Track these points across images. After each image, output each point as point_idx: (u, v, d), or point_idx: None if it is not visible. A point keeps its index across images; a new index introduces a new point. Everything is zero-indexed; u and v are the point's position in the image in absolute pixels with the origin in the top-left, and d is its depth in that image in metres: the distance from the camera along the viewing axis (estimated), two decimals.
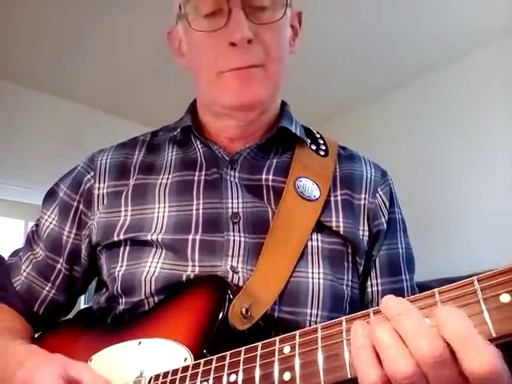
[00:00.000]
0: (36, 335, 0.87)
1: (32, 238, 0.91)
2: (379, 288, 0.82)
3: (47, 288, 0.87)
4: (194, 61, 0.82)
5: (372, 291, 0.82)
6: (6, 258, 0.92)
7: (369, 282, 0.82)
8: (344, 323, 0.49)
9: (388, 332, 0.44)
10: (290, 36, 0.84)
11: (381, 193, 0.85)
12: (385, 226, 0.83)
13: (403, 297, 0.82)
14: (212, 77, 0.78)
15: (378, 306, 0.80)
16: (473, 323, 0.41)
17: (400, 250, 0.85)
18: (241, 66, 0.75)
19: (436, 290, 0.45)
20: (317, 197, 0.80)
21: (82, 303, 2.36)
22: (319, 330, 0.50)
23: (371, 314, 0.48)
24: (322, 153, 0.87)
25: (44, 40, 2.87)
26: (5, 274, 0.88)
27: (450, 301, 0.43)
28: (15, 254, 0.92)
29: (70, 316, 0.91)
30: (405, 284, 0.83)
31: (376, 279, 0.82)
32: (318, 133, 0.93)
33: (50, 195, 0.90)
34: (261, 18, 0.76)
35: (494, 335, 0.40)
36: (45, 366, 0.63)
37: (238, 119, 0.81)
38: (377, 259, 0.83)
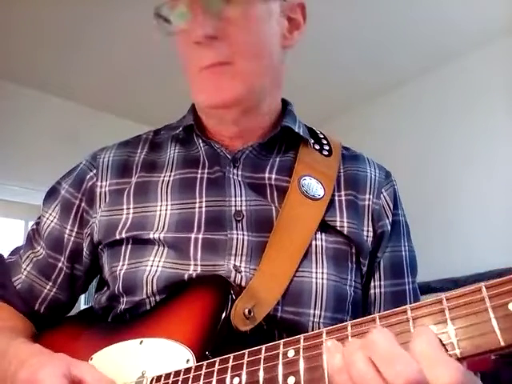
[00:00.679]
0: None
1: (33, 237, 0.90)
2: (382, 290, 0.82)
3: (48, 287, 0.86)
4: (181, 62, 0.82)
5: (375, 293, 0.82)
6: (6, 257, 0.92)
7: (372, 284, 0.82)
8: (349, 328, 0.49)
9: (362, 360, 0.44)
10: (286, 29, 0.81)
11: (385, 194, 0.85)
12: (389, 227, 0.83)
13: (405, 299, 0.83)
14: (191, 77, 0.78)
15: (379, 307, 0.81)
16: (480, 331, 0.41)
17: (404, 253, 0.84)
18: (206, 64, 0.74)
19: (443, 296, 0.44)
20: (321, 196, 0.79)
21: (82, 303, 2.35)
22: (324, 335, 0.50)
23: (377, 320, 0.47)
24: (326, 153, 0.87)
25: (44, 40, 2.86)
26: (5, 272, 0.88)
27: (458, 308, 0.43)
28: (15, 252, 0.91)
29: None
30: (407, 287, 0.83)
31: (379, 281, 0.82)
32: (321, 133, 0.92)
33: (52, 193, 0.90)
34: (224, 12, 0.74)
35: (502, 344, 0.39)
36: (48, 364, 0.63)
37: (220, 118, 0.81)
38: (381, 261, 0.82)
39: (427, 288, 2.54)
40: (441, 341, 0.43)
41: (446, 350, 0.42)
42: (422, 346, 0.42)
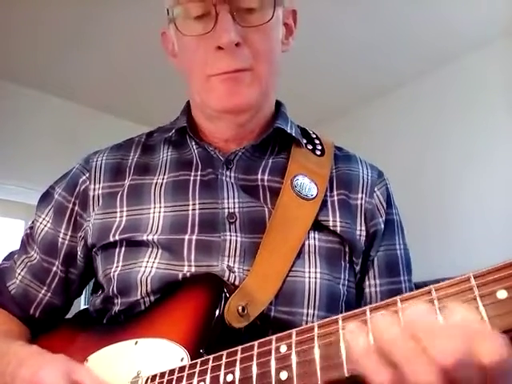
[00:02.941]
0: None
1: (26, 241, 0.90)
2: (377, 289, 0.82)
3: (43, 291, 0.86)
4: (185, 63, 0.82)
5: (370, 292, 0.82)
6: (0, 262, 0.92)
7: (367, 283, 0.82)
8: (340, 321, 0.49)
9: (403, 335, 0.40)
10: (283, 35, 0.83)
11: (378, 193, 0.85)
12: (382, 226, 0.83)
13: None
14: (201, 80, 0.78)
15: None
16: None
17: (398, 252, 0.85)
18: (228, 70, 0.75)
19: (432, 286, 0.45)
20: (314, 195, 0.80)
21: (82, 303, 2.36)
22: (316, 329, 0.50)
23: (368, 312, 0.47)
24: (319, 152, 0.87)
25: (44, 40, 2.87)
26: None
27: (446, 298, 0.43)
28: (9, 257, 0.91)
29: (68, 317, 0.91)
30: (403, 285, 0.83)
31: (374, 280, 0.82)
32: (313, 133, 0.92)
33: (45, 198, 0.90)
34: (249, 20, 0.75)
35: None
36: (49, 364, 0.64)
37: (230, 122, 0.81)
38: (375, 260, 0.82)
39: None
40: None
41: None
42: (463, 320, 0.39)
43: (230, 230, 0.76)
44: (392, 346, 0.41)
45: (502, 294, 0.40)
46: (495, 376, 0.38)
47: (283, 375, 0.49)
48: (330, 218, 0.79)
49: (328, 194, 0.82)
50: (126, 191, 0.82)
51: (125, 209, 0.80)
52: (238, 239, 0.75)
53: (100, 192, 0.83)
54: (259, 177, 0.81)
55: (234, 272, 0.72)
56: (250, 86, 0.76)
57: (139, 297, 0.74)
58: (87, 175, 0.86)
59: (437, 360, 0.38)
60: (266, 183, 0.81)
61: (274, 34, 0.80)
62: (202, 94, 0.79)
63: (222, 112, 0.79)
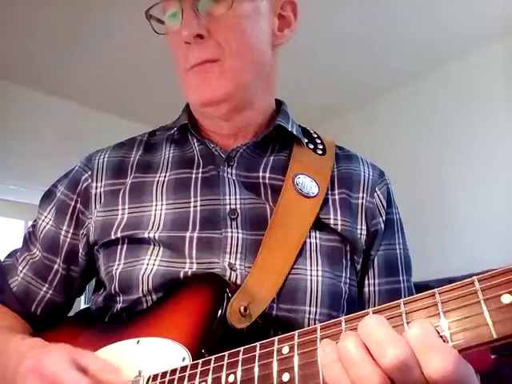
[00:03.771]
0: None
1: (29, 239, 0.90)
2: (376, 288, 0.82)
3: (44, 289, 0.86)
4: (172, 62, 0.83)
5: (369, 291, 0.82)
6: (2, 260, 0.92)
7: (366, 282, 0.82)
8: (343, 323, 0.49)
9: (353, 343, 0.44)
10: (275, 27, 0.82)
11: (379, 192, 0.85)
12: (382, 225, 0.83)
13: (400, 298, 0.83)
14: (181, 76, 0.80)
15: (374, 305, 0.81)
16: (473, 324, 0.41)
17: (398, 251, 0.85)
18: (196, 63, 0.76)
19: (436, 290, 0.44)
20: (315, 194, 0.80)
21: (82, 303, 2.35)
22: (318, 330, 0.50)
23: (370, 313, 0.47)
24: (320, 152, 0.87)
25: (44, 40, 2.87)
26: (1, 275, 0.88)
27: (451, 301, 0.43)
28: (12, 255, 0.91)
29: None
30: (402, 285, 0.83)
31: (373, 279, 0.82)
32: (315, 132, 0.93)
33: (47, 196, 0.90)
34: (211, 11, 0.76)
35: (495, 336, 0.40)
36: (53, 351, 0.64)
37: (212, 116, 0.82)
38: (375, 259, 0.83)
39: (426, 288, 2.53)
40: (438, 332, 0.42)
41: (444, 341, 0.42)
42: (416, 331, 0.42)
43: (231, 227, 0.76)
44: (343, 354, 0.45)
45: (506, 299, 0.40)
46: None
47: (285, 377, 0.49)
48: (331, 217, 0.79)
49: (329, 192, 0.82)
50: (127, 189, 0.82)
51: (127, 206, 0.80)
52: (240, 236, 0.75)
53: (102, 190, 0.84)
54: (260, 174, 0.82)
55: (235, 270, 0.72)
56: (219, 78, 0.76)
57: (141, 295, 0.74)
58: (89, 173, 0.86)
59: (381, 364, 0.42)
60: (267, 181, 0.81)
61: (249, 24, 0.78)
62: (183, 89, 0.81)
63: (198, 105, 0.80)
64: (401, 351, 0.42)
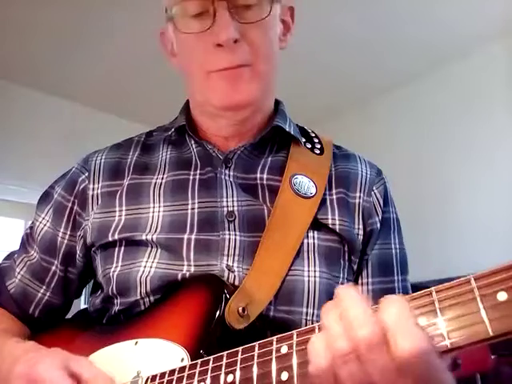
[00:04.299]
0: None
1: (26, 241, 0.90)
2: (369, 287, 0.82)
3: (42, 290, 0.86)
4: (184, 62, 0.82)
5: (362, 290, 0.81)
6: (0, 262, 0.92)
7: (360, 281, 0.82)
8: None
9: (334, 319, 0.46)
10: (281, 31, 0.84)
11: (376, 191, 0.85)
12: (378, 225, 0.83)
13: None
14: (201, 78, 0.78)
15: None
16: (469, 322, 0.41)
17: (393, 251, 0.84)
18: (228, 67, 0.75)
19: (433, 288, 0.45)
20: (313, 194, 0.80)
21: (82, 303, 2.35)
22: (316, 330, 0.50)
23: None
24: (318, 151, 0.87)
25: (44, 40, 2.87)
26: None
27: (447, 299, 0.43)
28: (9, 257, 0.91)
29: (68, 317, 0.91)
30: (396, 285, 0.82)
31: (367, 278, 0.82)
32: (312, 132, 0.92)
33: (45, 197, 0.90)
34: (247, 16, 0.75)
35: (491, 334, 0.40)
36: (46, 358, 0.64)
37: (230, 119, 0.81)
38: (369, 258, 0.82)
39: (425, 288, 2.54)
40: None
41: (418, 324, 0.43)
42: (389, 312, 0.44)
43: (229, 229, 0.76)
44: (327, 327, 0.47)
45: (502, 296, 0.40)
46: (407, 370, 0.42)
47: (284, 375, 0.49)
48: (329, 217, 0.79)
49: (327, 192, 0.82)
50: (125, 190, 0.82)
51: (124, 208, 0.80)
52: (237, 238, 0.75)
53: (99, 191, 0.83)
54: (258, 175, 0.82)
55: (233, 271, 0.73)
56: (250, 82, 0.76)
57: (139, 297, 0.74)
58: (86, 175, 0.86)
59: (355, 338, 0.44)
60: (264, 182, 0.81)
61: (272, 30, 0.80)
62: (202, 91, 0.79)
63: (223, 109, 0.79)
64: (371, 332, 0.43)
